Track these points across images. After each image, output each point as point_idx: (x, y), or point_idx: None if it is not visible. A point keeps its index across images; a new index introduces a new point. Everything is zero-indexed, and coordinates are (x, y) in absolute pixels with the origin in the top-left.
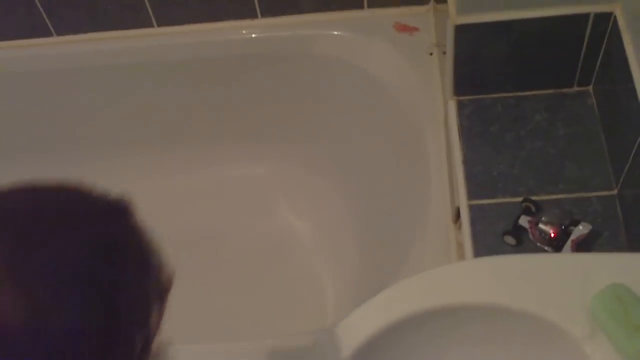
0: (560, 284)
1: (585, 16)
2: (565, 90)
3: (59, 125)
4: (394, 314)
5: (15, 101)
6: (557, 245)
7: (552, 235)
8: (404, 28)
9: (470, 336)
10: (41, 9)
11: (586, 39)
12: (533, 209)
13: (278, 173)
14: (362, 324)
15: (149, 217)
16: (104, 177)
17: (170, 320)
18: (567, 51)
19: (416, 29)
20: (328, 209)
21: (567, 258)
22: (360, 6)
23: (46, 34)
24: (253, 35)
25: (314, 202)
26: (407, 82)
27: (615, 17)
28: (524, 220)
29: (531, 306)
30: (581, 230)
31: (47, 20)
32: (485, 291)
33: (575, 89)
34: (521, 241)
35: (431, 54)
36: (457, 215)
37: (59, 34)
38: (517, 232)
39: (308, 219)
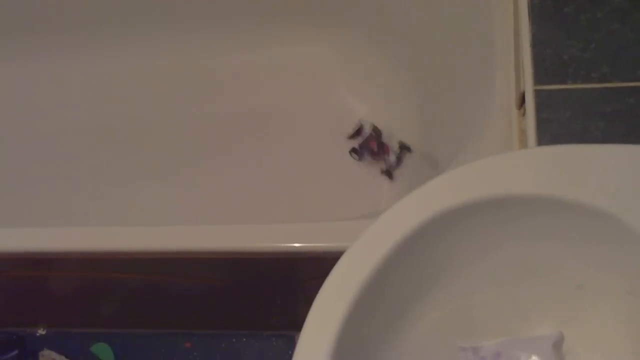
0: (628, 177)
1: None
2: None
3: None
4: (445, 203)
5: None
6: None
7: None
8: None
9: (526, 230)
10: None
11: None
12: None
13: (337, 52)
14: (410, 211)
15: (202, 95)
16: (159, 53)
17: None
18: None
19: None
20: (387, 86)
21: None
22: None
23: None
24: None
25: (373, 80)
26: None
27: None
28: None
29: (593, 199)
30: None
31: None
32: (544, 182)
33: None
34: None
35: None
36: (522, 101)
37: None
38: None
39: (365, 99)
